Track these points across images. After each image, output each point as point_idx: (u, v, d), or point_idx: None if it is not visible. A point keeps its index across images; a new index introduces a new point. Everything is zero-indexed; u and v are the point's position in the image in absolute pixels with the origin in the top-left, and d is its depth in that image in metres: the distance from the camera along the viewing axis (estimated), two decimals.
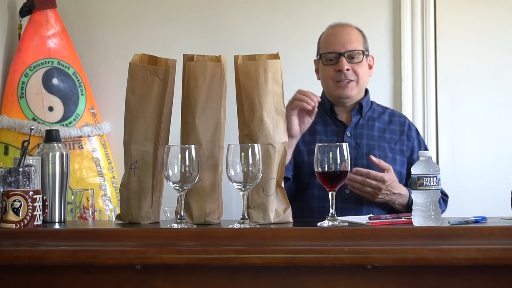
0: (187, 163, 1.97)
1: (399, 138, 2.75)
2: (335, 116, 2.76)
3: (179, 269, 1.90)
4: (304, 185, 2.66)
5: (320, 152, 1.99)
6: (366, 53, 2.75)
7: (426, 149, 2.81)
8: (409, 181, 2.72)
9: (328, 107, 2.76)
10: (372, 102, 2.82)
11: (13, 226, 2.00)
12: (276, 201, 2.13)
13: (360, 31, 2.79)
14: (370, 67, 2.79)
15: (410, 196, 2.61)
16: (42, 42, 3.37)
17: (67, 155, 2.28)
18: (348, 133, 2.72)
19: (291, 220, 2.15)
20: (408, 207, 2.59)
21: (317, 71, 2.82)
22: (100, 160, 3.39)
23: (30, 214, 2.01)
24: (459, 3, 3.40)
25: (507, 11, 3.38)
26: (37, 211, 2.03)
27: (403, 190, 2.59)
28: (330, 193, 2.00)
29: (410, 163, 2.72)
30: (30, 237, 1.96)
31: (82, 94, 3.41)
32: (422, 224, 1.91)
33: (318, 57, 2.78)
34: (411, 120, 3.33)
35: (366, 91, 2.82)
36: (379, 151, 2.70)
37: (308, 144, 2.70)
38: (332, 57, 2.70)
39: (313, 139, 2.71)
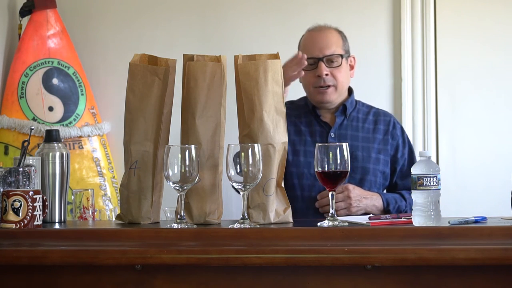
0: (187, 163, 1.97)
1: (383, 138, 2.76)
2: (319, 117, 2.77)
3: (179, 269, 1.90)
4: (288, 186, 2.65)
5: (320, 152, 1.99)
6: (346, 55, 2.75)
7: (410, 146, 2.82)
8: (393, 179, 2.76)
9: (311, 108, 2.77)
10: (356, 102, 2.82)
11: (13, 226, 2.00)
12: (276, 201, 2.13)
13: (340, 33, 2.78)
14: (352, 67, 2.79)
15: (385, 199, 2.63)
16: (42, 42, 3.37)
17: (67, 155, 2.28)
18: (332, 134, 2.73)
19: (291, 220, 2.15)
20: (386, 211, 2.63)
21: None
22: (100, 160, 3.39)
23: (30, 214, 2.01)
24: (459, 3, 3.40)
25: (507, 11, 3.38)
26: (37, 211, 2.03)
27: (373, 193, 2.64)
28: (330, 193, 2.00)
29: (394, 161, 2.76)
30: (30, 237, 1.96)
31: (82, 94, 3.41)
32: (422, 224, 1.91)
33: None
34: (412, 118, 3.34)
35: (351, 91, 2.82)
36: (362, 152, 2.71)
37: (293, 144, 2.70)
38: (311, 62, 2.71)
39: (298, 139, 2.72)
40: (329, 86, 2.70)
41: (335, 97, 2.73)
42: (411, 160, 2.78)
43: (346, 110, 2.76)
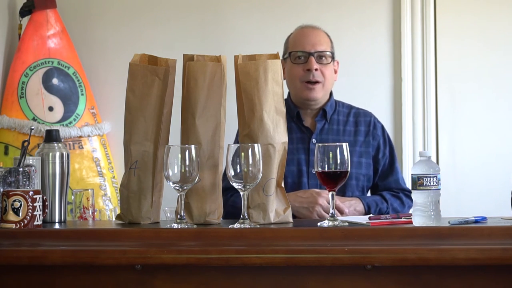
0: (187, 163, 1.97)
1: (365, 140, 2.76)
2: (301, 122, 2.76)
3: (179, 269, 1.90)
4: None
5: (320, 152, 1.99)
6: (334, 56, 2.76)
7: (391, 145, 2.82)
8: (375, 179, 2.76)
9: (294, 113, 2.76)
10: (336, 103, 2.81)
11: (13, 226, 2.00)
12: (276, 201, 2.13)
13: (329, 36, 2.80)
14: (335, 71, 2.80)
15: (366, 203, 2.65)
16: (42, 42, 3.37)
17: (67, 155, 2.28)
18: (313, 139, 2.72)
19: (291, 220, 2.15)
20: (368, 214, 2.63)
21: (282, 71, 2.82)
22: (100, 160, 3.39)
23: (30, 214, 2.01)
24: (459, 3, 3.40)
25: (507, 11, 3.38)
26: (37, 211, 2.03)
27: (352, 198, 2.65)
28: (330, 193, 2.00)
29: (376, 162, 2.76)
30: (30, 237, 1.96)
31: (82, 94, 3.41)
32: (422, 224, 1.90)
33: (287, 55, 2.77)
34: (412, 118, 3.35)
35: (330, 94, 2.82)
36: None
37: None
38: (301, 56, 2.72)
39: None
40: (317, 82, 2.70)
41: (321, 95, 2.72)
42: (392, 159, 2.78)
43: (326, 114, 2.76)
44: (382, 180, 2.75)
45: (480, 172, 3.35)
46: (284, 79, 2.79)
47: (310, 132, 2.75)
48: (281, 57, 2.76)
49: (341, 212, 2.55)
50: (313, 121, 2.76)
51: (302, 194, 2.58)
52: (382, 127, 2.83)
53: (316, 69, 2.69)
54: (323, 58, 2.72)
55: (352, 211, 2.61)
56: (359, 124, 2.78)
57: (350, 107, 2.83)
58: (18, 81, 3.32)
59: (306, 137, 2.74)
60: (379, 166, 2.75)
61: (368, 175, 2.74)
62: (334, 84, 2.79)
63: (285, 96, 2.81)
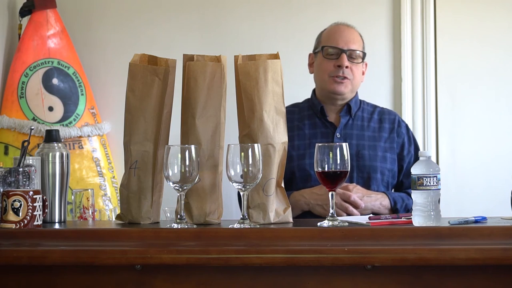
0: (187, 163, 1.97)
1: (389, 136, 2.77)
2: (324, 117, 2.77)
3: (179, 269, 1.90)
4: (297, 190, 2.66)
5: (320, 152, 1.99)
6: (364, 57, 2.77)
7: (416, 144, 2.84)
8: (400, 177, 2.76)
9: (318, 108, 2.77)
10: (361, 102, 2.84)
11: (13, 226, 2.00)
12: (276, 201, 2.13)
13: (362, 36, 2.82)
14: (363, 73, 2.81)
15: (392, 198, 2.64)
16: (42, 42, 3.37)
17: (67, 155, 2.28)
18: (337, 134, 2.73)
19: (291, 220, 2.15)
20: (394, 210, 2.63)
21: (311, 65, 2.84)
22: (100, 160, 3.39)
23: (30, 214, 2.01)
24: (459, 3, 3.40)
25: (507, 11, 3.38)
26: (37, 211, 2.03)
27: (378, 194, 2.64)
28: (330, 193, 2.00)
29: (401, 159, 2.78)
30: (30, 237, 1.96)
31: (82, 94, 3.41)
32: (422, 224, 1.91)
33: (320, 49, 2.78)
34: (412, 118, 3.35)
35: (356, 93, 2.83)
36: (369, 151, 2.71)
37: (297, 149, 2.71)
38: (334, 52, 2.74)
39: (303, 143, 2.73)
40: (346, 78, 2.72)
41: (348, 91, 2.75)
42: (417, 158, 2.78)
43: (351, 110, 2.78)
44: (407, 177, 2.75)
45: (480, 172, 3.35)
46: (311, 73, 2.82)
47: (334, 127, 2.76)
48: (311, 51, 2.84)
49: (356, 207, 2.53)
50: (338, 116, 2.78)
51: (318, 191, 2.59)
52: (407, 126, 2.86)
53: (346, 67, 2.71)
54: (354, 57, 2.74)
55: (377, 205, 2.61)
56: (383, 121, 2.80)
57: (375, 106, 2.87)
58: (18, 81, 3.32)
59: (330, 132, 2.76)
60: (404, 163, 2.77)
61: (393, 171, 2.75)
62: (360, 85, 2.81)
63: (309, 96, 2.86)
